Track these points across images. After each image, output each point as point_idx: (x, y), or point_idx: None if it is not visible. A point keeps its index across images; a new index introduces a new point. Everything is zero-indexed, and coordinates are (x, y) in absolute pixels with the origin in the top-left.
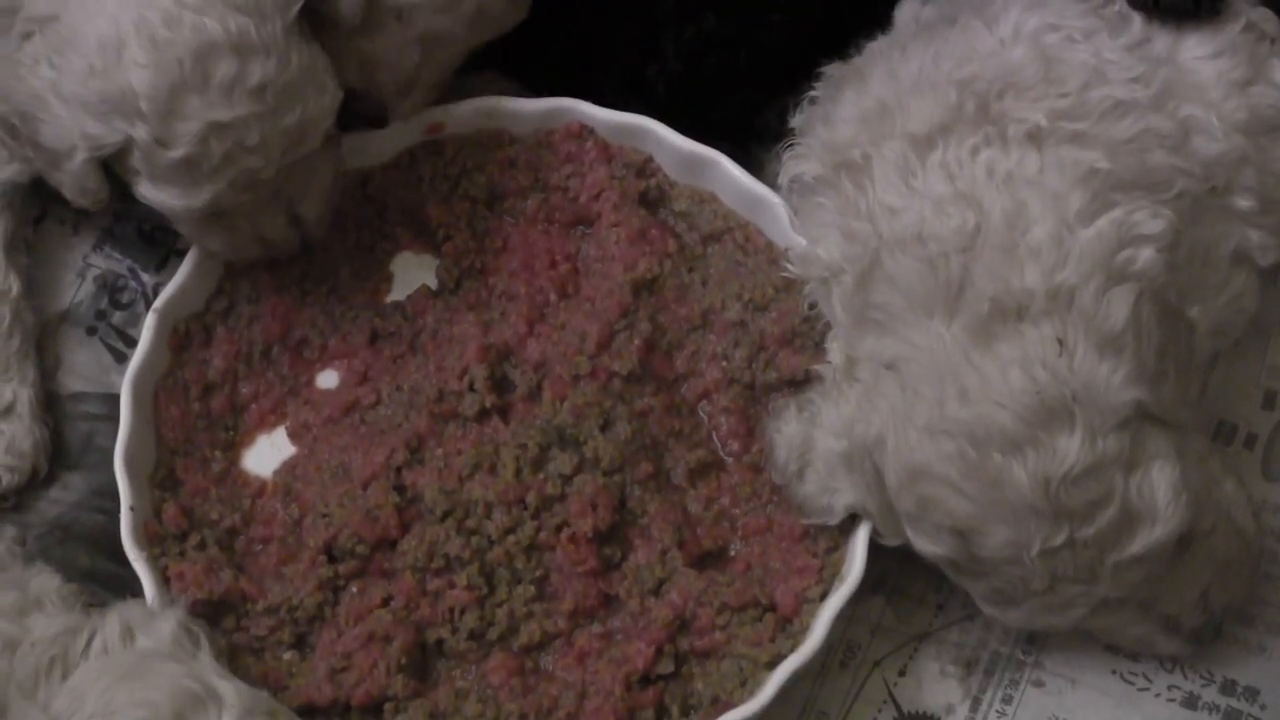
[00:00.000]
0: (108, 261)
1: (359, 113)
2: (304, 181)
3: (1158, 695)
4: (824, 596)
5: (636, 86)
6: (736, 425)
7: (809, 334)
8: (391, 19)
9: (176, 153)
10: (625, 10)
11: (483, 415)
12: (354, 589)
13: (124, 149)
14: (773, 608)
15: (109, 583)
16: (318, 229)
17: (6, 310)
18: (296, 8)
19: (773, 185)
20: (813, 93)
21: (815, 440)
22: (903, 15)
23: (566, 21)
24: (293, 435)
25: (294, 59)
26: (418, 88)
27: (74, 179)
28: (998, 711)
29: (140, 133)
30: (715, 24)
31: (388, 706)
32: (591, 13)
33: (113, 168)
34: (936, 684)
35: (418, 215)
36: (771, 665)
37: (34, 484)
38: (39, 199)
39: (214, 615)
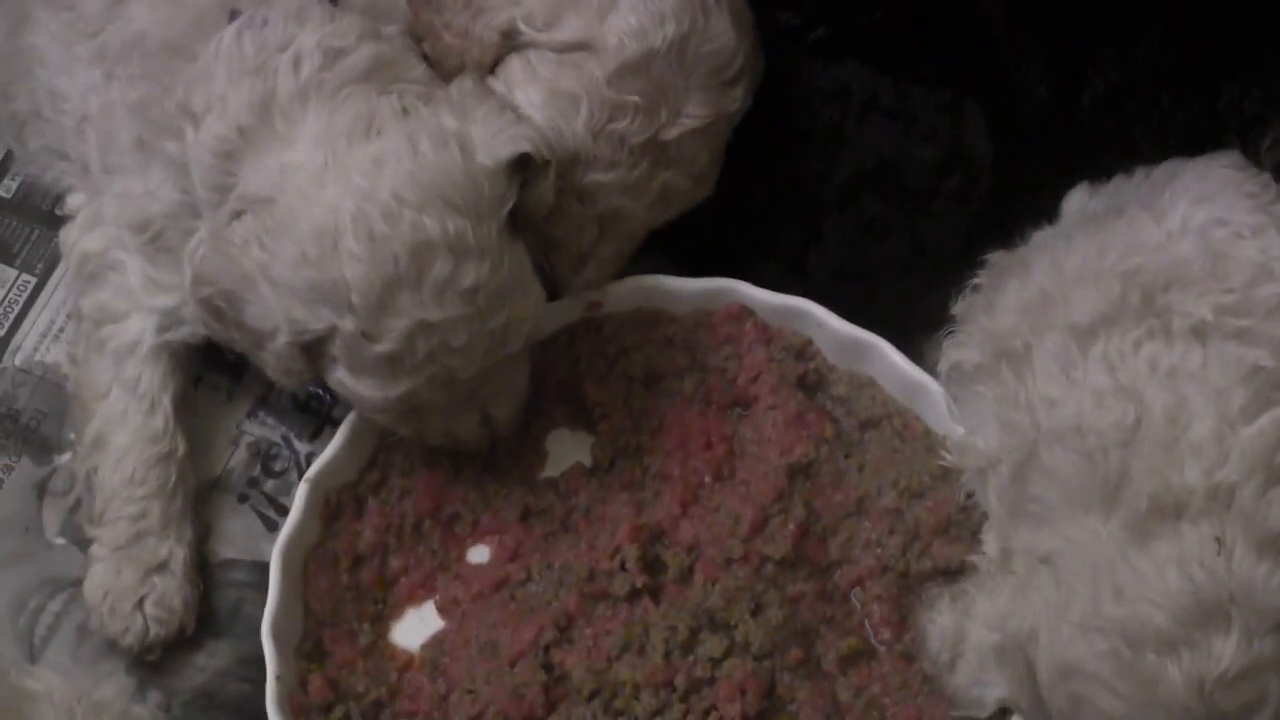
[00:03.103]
0: (262, 429)
1: None
2: (499, 383)
3: None
4: None
5: (798, 270)
6: (889, 613)
7: (964, 524)
8: (573, 199)
9: (382, 348)
10: (788, 193)
11: (633, 595)
12: None
13: (325, 336)
14: None
15: None
16: (507, 429)
17: (173, 469)
18: (509, 207)
19: (932, 372)
20: (975, 280)
21: (968, 632)
22: (1070, 206)
23: (730, 202)
24: (442, 610)
25: (505, 262)
26: (594, 263)
27: (278, 360)
28: None
29: (347, 324)
30: (878, 210)
31: None
32: (755, 195)
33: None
34: None
35: (574, 393)
36: None
37: (180, 646)
38: (197, 363)
39: None
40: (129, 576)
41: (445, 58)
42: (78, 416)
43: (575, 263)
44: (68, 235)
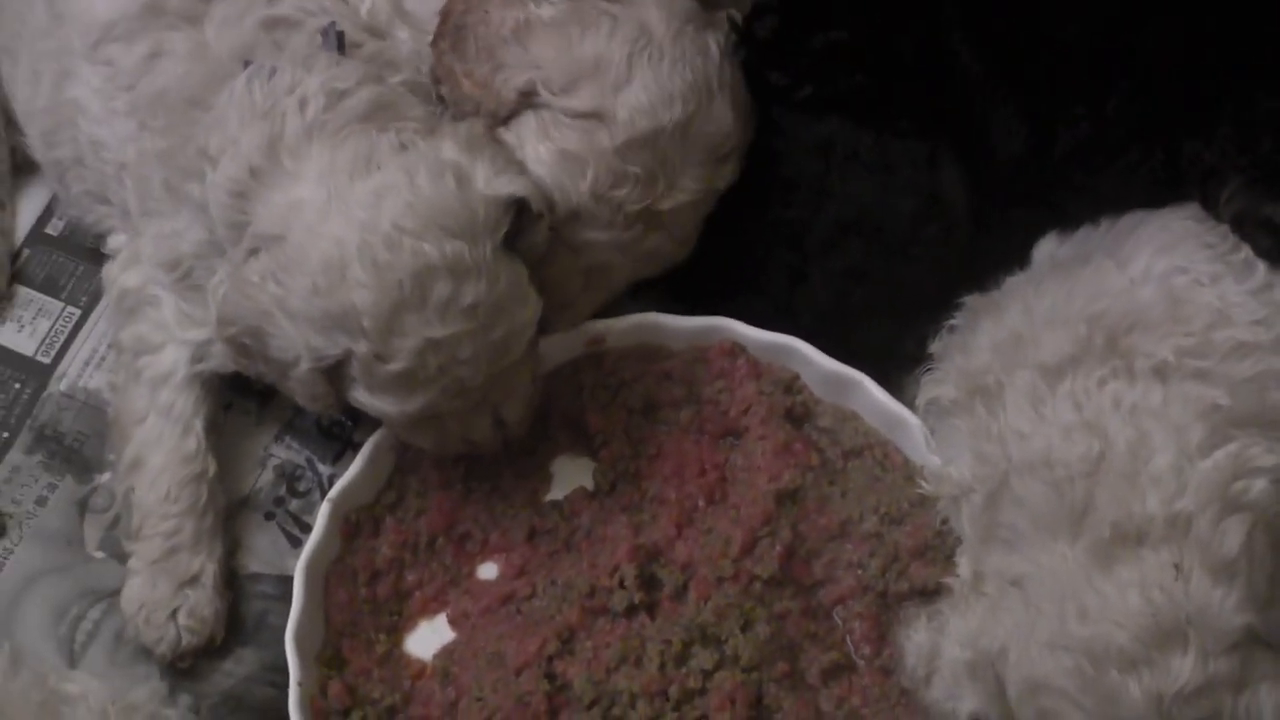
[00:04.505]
0: (287, 452)
1: None
2: (507, 387)
3: None
4: None
5: (786, 310)
6: (869, 630)
7: (940, 548)
8: (565, 251)
9: (395, 366)
10: (777, 239)
11: (631, 611)
12: None
13: (343, 360)
14: None
15: None
16: (519, 430)
17: (204, 489)
18: (503, 231)
19: (911, 406)
20: (952, 321)
21: (942, 649)
22: (1040, 253)
23: (724, 246)
24: (453, 622)
25: (501, 278)
26: (575, 309)
27: (302, 386)
28: None
29: (361, 348)
30: (860, 256)
31: None
32: (746, 240)
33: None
34: None
35: (577, 422)
36: None
37: (210, 653)
38: (227, 390)
39: None
40: (163, 589)
41: (461, 103)
42: (116, 439)
43: (559, 308)
44: (109, 272)
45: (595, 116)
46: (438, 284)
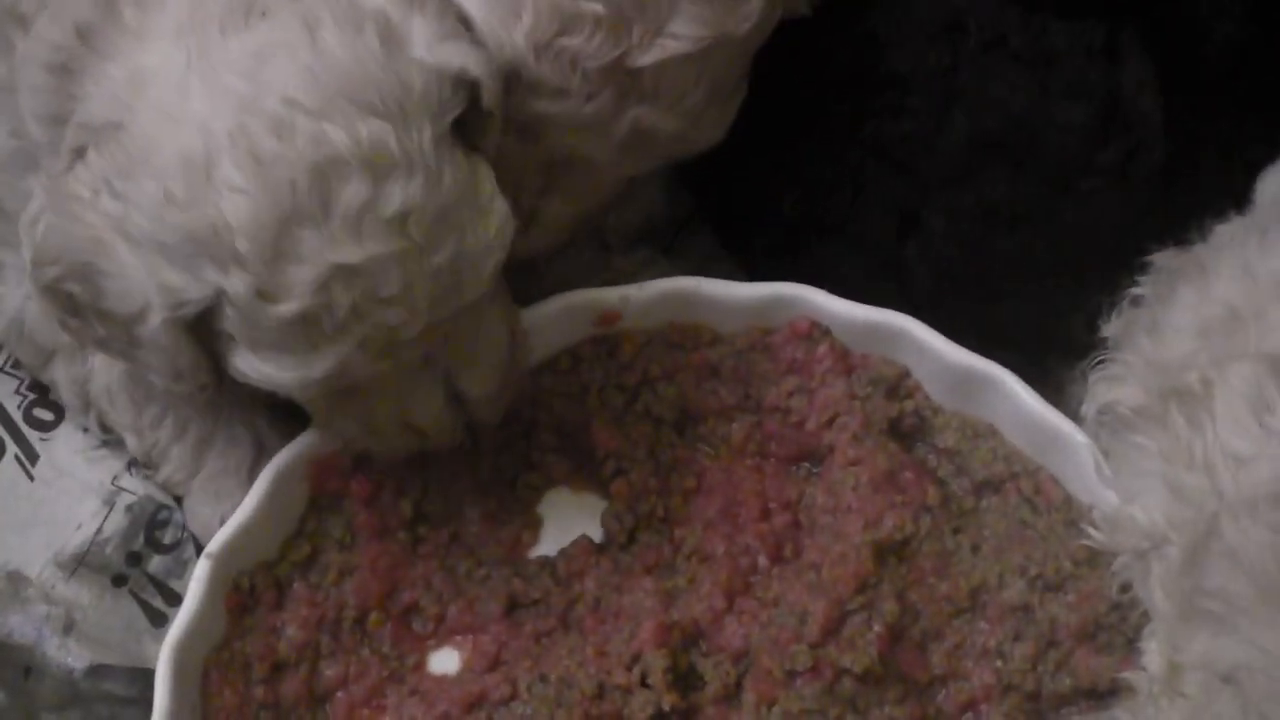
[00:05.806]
0: (146, 485)
1: None
2: (467, 343)
3: None
4: None
5: (889, 272)
6: None
7: (1117, 627)
8: (512, 135)
9: (287, 308)
10: (878, 166)
11: None
12: None
13: (213, 306)
14: None
15: None
16: (489, 412)
17: None
18: (450, 117)
19: (1075, 417)
20: (1136, 290)
21: None
22: (1267, 189)
23: (799, 177)
24: None
25: (446, 174)
26: (540, 226)
27: (158, 354)
28: None
29: (236, 283)
30: (1003, 190)
31: None
32: (833, 167)
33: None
34: None
35: (579, 439)
36: None
37: None
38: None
39: None
40: None
41: None
42: None
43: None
44: None
45: None
46: (348, 184)
